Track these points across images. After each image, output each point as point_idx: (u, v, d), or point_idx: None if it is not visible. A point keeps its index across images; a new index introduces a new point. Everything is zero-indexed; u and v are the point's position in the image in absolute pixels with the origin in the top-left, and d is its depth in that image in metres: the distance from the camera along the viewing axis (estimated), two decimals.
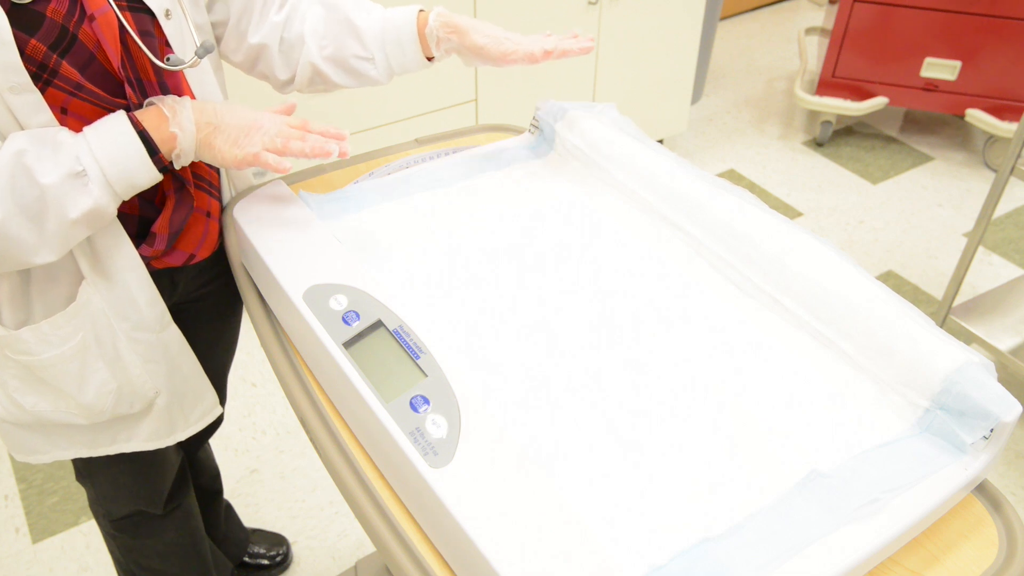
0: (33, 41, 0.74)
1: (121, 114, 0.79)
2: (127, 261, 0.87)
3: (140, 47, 0.80)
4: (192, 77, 0.91)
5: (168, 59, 0.84)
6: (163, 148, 0.80)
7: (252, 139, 0.83)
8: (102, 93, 0.80)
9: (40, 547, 1.63)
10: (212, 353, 1.15)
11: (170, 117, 0.80)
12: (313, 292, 0.78)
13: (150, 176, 0.81)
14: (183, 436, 1.03)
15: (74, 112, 0.80)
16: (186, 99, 0.83)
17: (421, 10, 0.98)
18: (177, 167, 0.83)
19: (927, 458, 0.68)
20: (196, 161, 0.91)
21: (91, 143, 0.77)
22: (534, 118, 1.09)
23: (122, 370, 0.92)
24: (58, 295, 0.87)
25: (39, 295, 0.86)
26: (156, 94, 0.85)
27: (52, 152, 0.75)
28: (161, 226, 0.89)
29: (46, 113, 0.77)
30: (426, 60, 1.00)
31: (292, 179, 1.04)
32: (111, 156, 0.77)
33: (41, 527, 1.67)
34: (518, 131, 1.14)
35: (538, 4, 2.10)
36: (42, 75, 0.76)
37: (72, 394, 0.91)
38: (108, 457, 1.03)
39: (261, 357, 2.04)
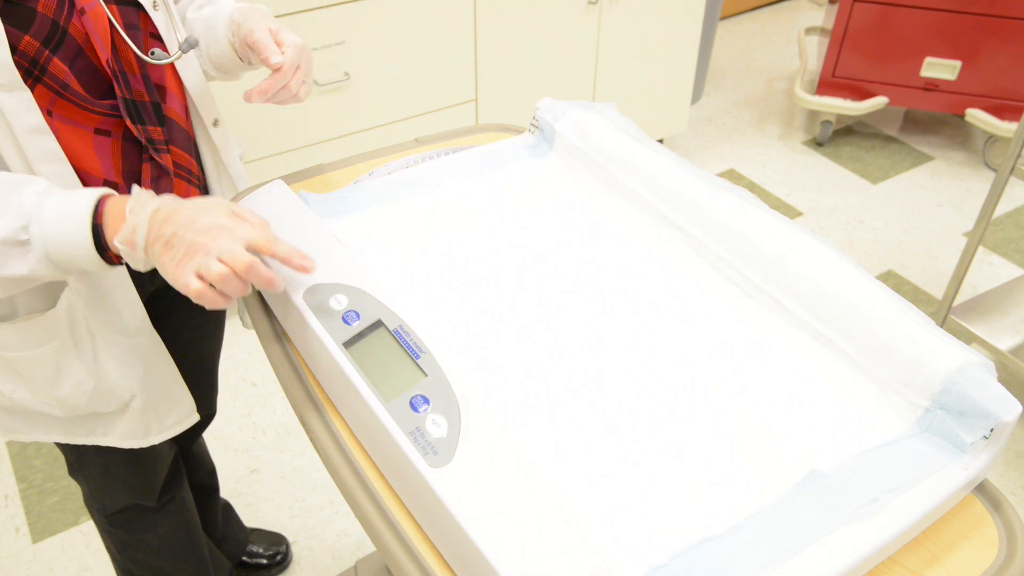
0: (27, 38, 0.74)
1: (91, 197, 0.73)
2: (112, 269, 0.87)
3: (125, 40, 0.80)
4: (180, 69, 0.92)
5: (152, 53, 0.84)
6: (113, 249, 0.74)
7: (192, 260, 0.70)
8: (85, 93, 0.80)
9: (40, 547, 1.63)
10: (199, 340, 1.15)
11: (124, 225, 0.72)
12: (313, 292, 0.78)
13: (98, 266, 0.75)
14: (157, 439, 1.03)
15: (59, 114, 0.79)
16: (152, 204, 0.73)
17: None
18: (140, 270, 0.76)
19: (927, 458, 0.68)
20: (176, 148, 0.91)
21: (47, 218, 0.72)
22: (534, 118, 1.09)
23: (99, 372, 0.93)
24: (41, 295, 0.87)
25: (24, 294, 0.86)
26: (140, 87, 0.85)
27: (6, 210, 0.72)
28: None
29: (35, 115, 0.76)
30: (237, 58, 0.96)
31: (292, 179, 1.04)
32: (58, 239, 0.72)
33: (41, 527, 1.67)
34: (518, 131, 1.14)
35: (538, 4, 2.10)
36: (32, 71, 0.76)
37: (47, 389, 0.92)
38: (99, 449, 1.04)
39: (261, 357, 2.04)
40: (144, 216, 0.72)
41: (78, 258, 0.74)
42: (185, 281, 0.70)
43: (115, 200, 0.74)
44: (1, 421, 1.00)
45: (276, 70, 0.88)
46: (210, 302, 0.71)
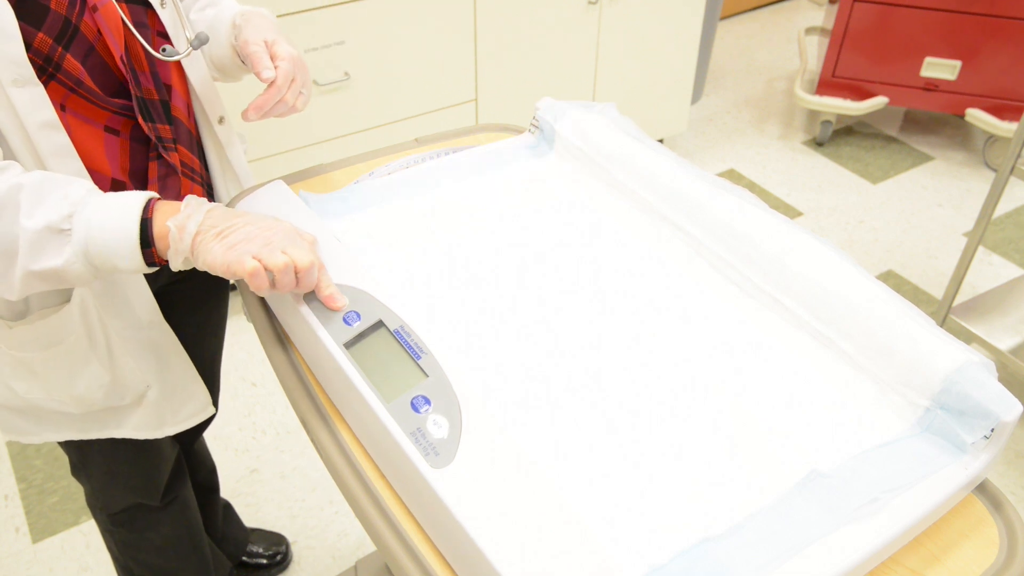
0: (40, 34, 0.74)
1: (144, 194, 0.75)
2: None
3: (136, 37, 0.81)
4: (186, 67, 0.92)
5: (164, 50, 0.85)
6: (159, 244, 0.75)
7: (251, 245, 0.73)
8: (98, 90, 0.80)
9: (40, 547, 1.63)
10: (202, 337, 1.15)
11: (179, 213, 0.74)
12: (314, 292, 0.78)
13: (134, 265, 0.75)
14: (172, 431, 1.03)
15: (72, 109, 0.80)
16: (207, 204, 0.76)
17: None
18: (173, 269, 0.77)
19: (927, 458, 0.68)
20: (181, 147, 0.91)
21: (93, 208, 0.73)
22: (534, 118, 1.09)
23: (114, 366, 0.93)
24: (54, 292, 0.87)
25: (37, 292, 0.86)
26: (148, 83, 0.85)
27: (51, 198, 0.72)
28: None
29: (48, 110, 0.76)
30: (239, 61, 0.96)
31: (292, 179, 1.04)
32: (102, 229, 0.73)
33: (41, 527, 1.67)
34: (518, 131, 1.14)
35: (538, 4, 2.10)
36: (47, 68, 0.76)
37: (64, 387, 0.92)
38: (103, 448, 1.04)
39: (261, 357, 2.04)
40: (201, 210, 0.74)
41: (118, 251, 0.74)
42: (239, 258, 0.72)
43: (166, 201, 0.76)
44: (11, 423, 0.99)
45: (269, 85, 0.87)
46: (258, 283, 0.72)
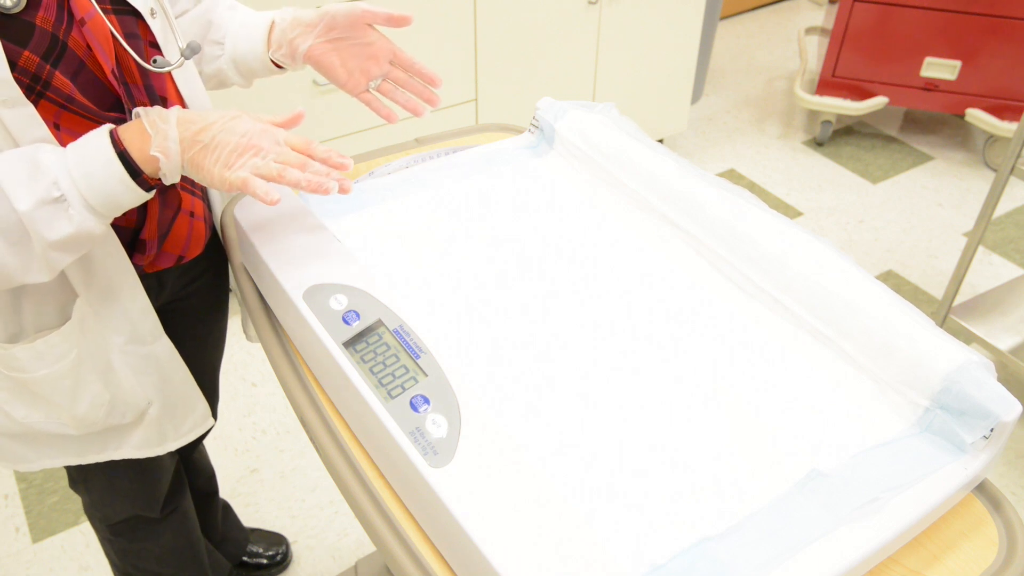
0: (26, 53, 0.72)
1: (104, 132, 0.75)
2: (122, 275, 0.86)
3: (126, 50, 0.79)
4: (178, 78, 0.90)
5: (155, 61, 0.83)
6: (147, 169, 0.75)
7: (244, 161, 0.75)
8: (92, 106, 0.79)
9: (40, 547, 1.63)
10: (202, 351, 1.15)
11: (152, 136, 0.74)
12: (313, 292, 0.79)
13: (135, 197, 0.76)
14: (174, 446, 1.02)
15: (66, 127, 0.78)
16: (172, 113, 0.76)
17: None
18: (166, 184, 0.78)
19: (927, 457, 0.68)
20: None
21: (71, 166, 0.73)
22: (534, 118, 1.09)
23: (115, 383, 0.92)
24: (50, 310, 0.86)
25: (31, 310, 0.85)
26: (142, 97, 0.84)
27: (29, 175, 0.72)
28: (150, 232, 0.89)
29: (41, 128, 0.75)
30: (272, 63, 0.97)
31: None
32: (91, 181, 0.73)
33: (41, 527, 1.67)
34: (518, 131, 1.14)
35: (538, 4, 2.10)
36: (35, 87, 0.74)
37: (65, 407, 0.90)
38: (101, 463, 1.03)
39: (261, 357, 2.04)
40: (171, 123, 0.75)
41: (115, 191, 0.74)
42: (238, 175, 0.75)
43: (125, 126, 0.76)
44: (8, 450, 0.97)
45: (404, 19, 0.95)
46: (263, 192, 0.75)
